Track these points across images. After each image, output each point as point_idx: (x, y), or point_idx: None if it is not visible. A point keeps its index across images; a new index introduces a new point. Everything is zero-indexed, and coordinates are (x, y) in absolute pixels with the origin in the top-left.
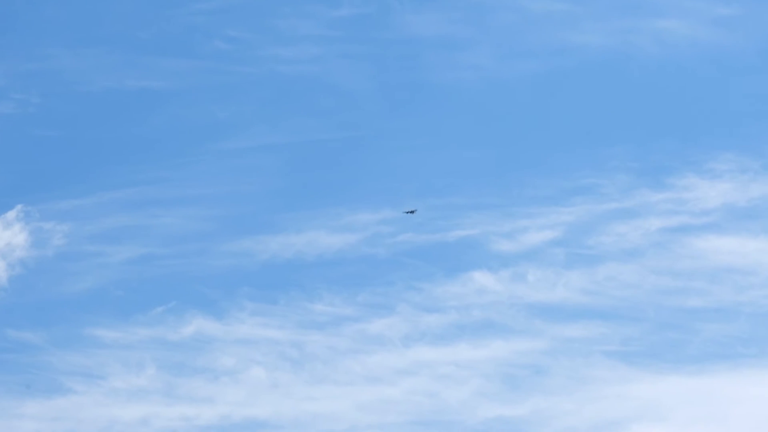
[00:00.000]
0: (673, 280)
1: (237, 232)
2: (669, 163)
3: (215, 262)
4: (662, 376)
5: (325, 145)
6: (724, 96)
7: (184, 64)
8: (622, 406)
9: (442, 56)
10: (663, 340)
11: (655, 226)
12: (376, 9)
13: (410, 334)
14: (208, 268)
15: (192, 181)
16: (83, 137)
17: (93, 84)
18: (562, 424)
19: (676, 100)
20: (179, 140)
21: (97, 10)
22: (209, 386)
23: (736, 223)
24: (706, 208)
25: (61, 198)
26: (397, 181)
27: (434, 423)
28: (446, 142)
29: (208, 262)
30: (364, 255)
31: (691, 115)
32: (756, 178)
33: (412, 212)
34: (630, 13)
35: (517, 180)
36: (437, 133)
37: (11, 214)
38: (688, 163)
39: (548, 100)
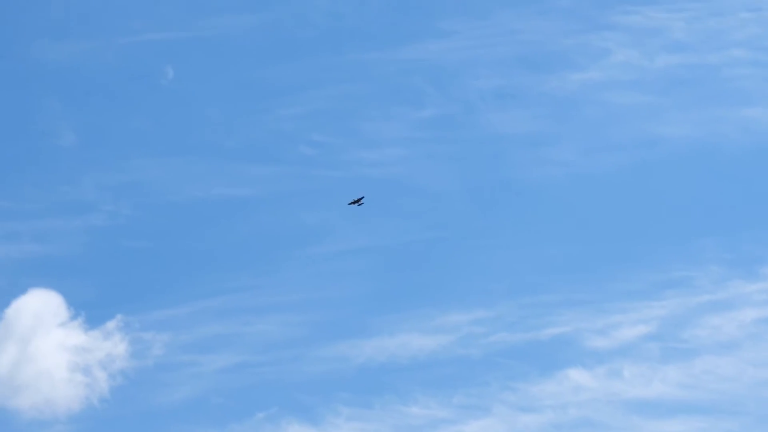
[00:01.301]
0: None
1: (330, 337)
2: (761, 253)
3: (310, 368)
4: None
5: (414, 247)
6: None
7: (270, 171)
8: None
9: (527, 153)
10: None
11: (750, 317)
12: (460, 108)
13: None
14: (302, 374)
15: (283, 288)
16: (174, 247)
17: (181, 193)
18: None
19: (766, 188)
20: (268, 247)
21: (182, 120)
22: None
23: None
24: None
25: (156, 308)
26: (487, 281)
27: None
28: (535, 239)
29: (302, 368)
30: (457, 356)
31: None
32: None
33: (358, 202)
34: (715, 103)
35: (608, 275)
36: (526, 231)
37: (111, 324)
38: None
39: (636, 193)
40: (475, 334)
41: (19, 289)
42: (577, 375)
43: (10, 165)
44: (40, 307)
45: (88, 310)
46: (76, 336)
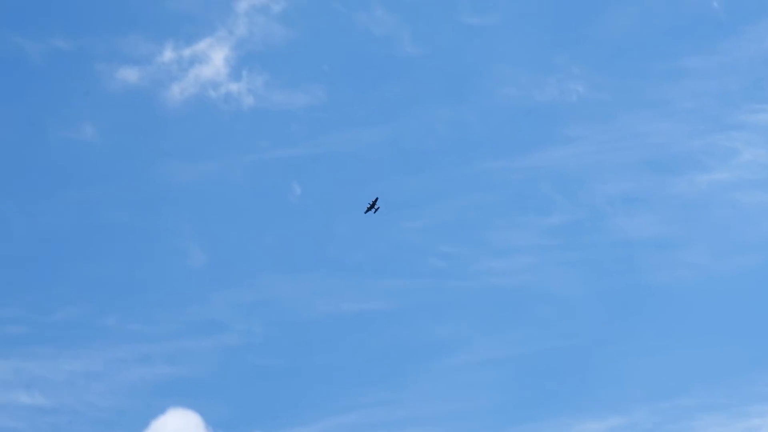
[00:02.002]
0: None
1: None
2: None
3: None
4: None
5: (547, 355)
6: None
7: (400, 284)
8: None
9: (657, 257)
10: None
11: None
12: (587, 214)
13: None
14: None
15: (417, 401)
16: (307, 363)
17: (311, 309)
18: None
19: None
20: (401, 360)
21: (310, 236)
22: None
23: None
24: None
25: (292, 425)
26: (622, 387)
27: None
28: (668, 344)
29: None
30: None
31: None
32: None
33: (373, 207)
34: None
35: (745, 378)
36: (658, 335)
37: None
38: None
39: None
40: None
41: (157, 410)
42: None
43: (141, 287)
44: (180, 426)
45: (226, 428)
46: None
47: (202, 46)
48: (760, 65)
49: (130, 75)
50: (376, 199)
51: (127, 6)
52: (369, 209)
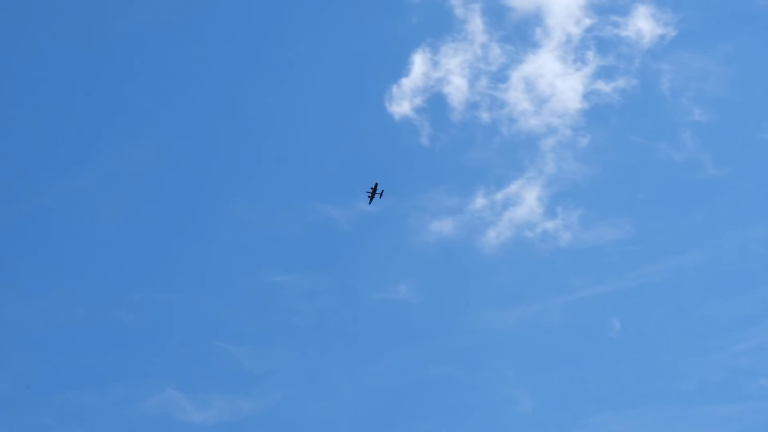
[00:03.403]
0: None
1: None
2: None
3: None
4: None
5: None
6: None
7: (733, 409)
8: None
9: None
10: None
11: None
12: None
13: None
14: None
15: None
16: None
17: None
18: None
19: None
20: None
21: (633, 369)
22: None
23: None
24: None
25: None
26: None
27: None
28: None
29: None
30: None
31: None
32: None
33: (376, 193)
34: None
35: None
36: None
37: None
38: None
39: None
40: None
41: None
42: None
43: None
44: None
45: None
46: None
47: (513, 188)
48: None
49: (444, 226)
50: (376, 185)
51: (432, 162)
52: (372, 197)
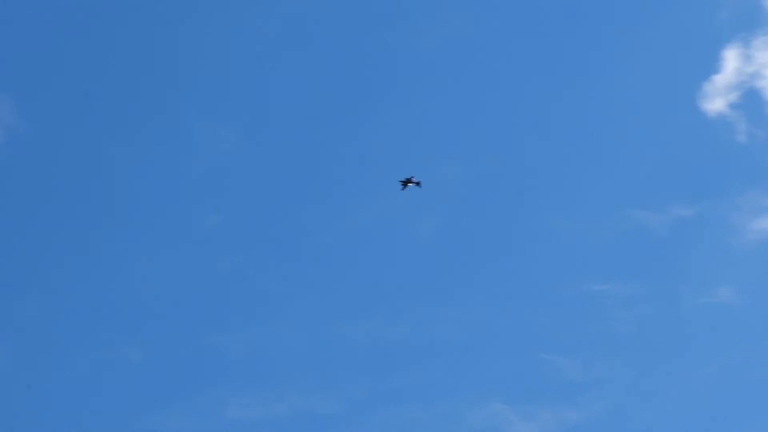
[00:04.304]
0: None
1: None
2: None
3: None
4: None
5: None
6: None
7: None
8: None
9: None
10: None
11: None
12: None
13: None
14: None
15: None
16: None
17: None
18: None
19: None
20: None
21: None
22: None
23: None
24: None
25: None
26: None
27: None
28: None
29: None
30: None
31: None
32: None
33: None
34: None
35: None
36: None
37: None
38: None
39: None
40: None
41: None
42: None
43: None
44: None
45: None
46: None
47: None
48: None
49: (766, 225)
50: (411, 177)
51: (750, 159)
52: (406, 184)
